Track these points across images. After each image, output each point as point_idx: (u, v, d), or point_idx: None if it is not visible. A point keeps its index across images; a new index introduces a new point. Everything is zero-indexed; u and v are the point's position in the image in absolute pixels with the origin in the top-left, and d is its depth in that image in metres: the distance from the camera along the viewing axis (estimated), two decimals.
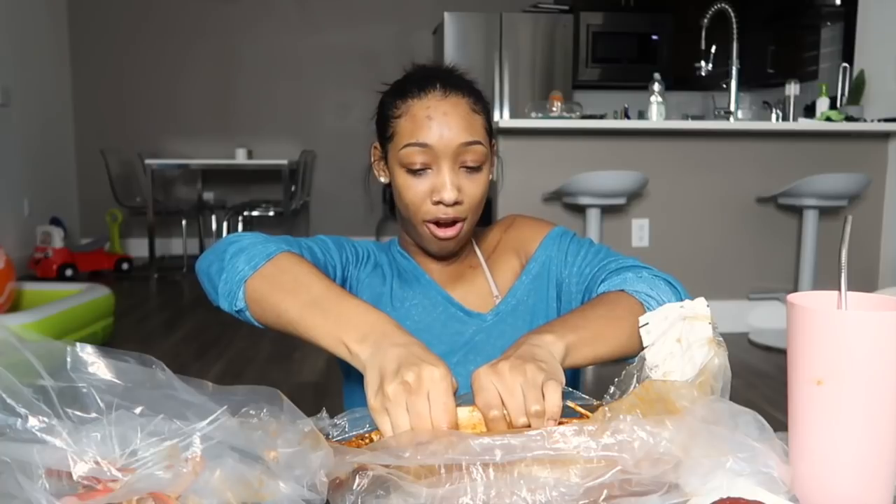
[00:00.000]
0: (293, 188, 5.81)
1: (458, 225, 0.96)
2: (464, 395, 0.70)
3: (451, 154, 0.93)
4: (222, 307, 0.85)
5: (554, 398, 0.65)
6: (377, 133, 1.02)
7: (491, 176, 1.00)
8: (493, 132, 1.02)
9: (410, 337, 0.71)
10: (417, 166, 0.93)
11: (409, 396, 0.64)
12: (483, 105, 0.99)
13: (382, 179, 1.04)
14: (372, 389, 0.66)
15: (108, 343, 3.44)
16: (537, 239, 1.06)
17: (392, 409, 0.64)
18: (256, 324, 0.84)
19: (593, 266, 0.98)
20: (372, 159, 1.05)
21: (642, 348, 0.77)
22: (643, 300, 0.86)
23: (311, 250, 0.97)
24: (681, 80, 5.50)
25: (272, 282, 0.80)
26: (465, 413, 0.66)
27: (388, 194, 1.05)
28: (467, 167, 0.94)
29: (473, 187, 0.95)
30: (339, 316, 0.74)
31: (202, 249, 6.18)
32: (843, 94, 3.98)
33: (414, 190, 0.95)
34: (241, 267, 0.82)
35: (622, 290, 0.88)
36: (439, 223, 0.96)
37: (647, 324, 0.77)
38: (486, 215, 1.04)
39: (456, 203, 0.94)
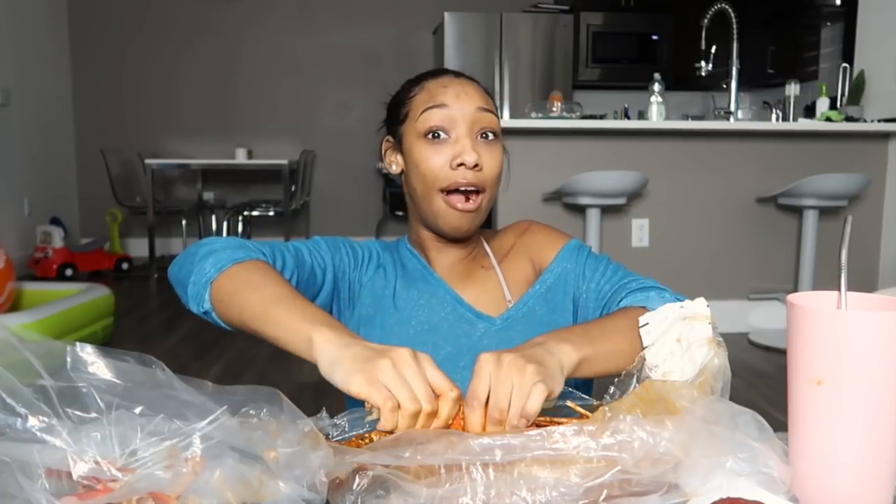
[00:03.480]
0: (293, 188, 5.81)
1: (478, 197, 0.95)
2: None
3: (469, 119, 0.95)
4: (192, 309, 0.85)
5: (534, 401, 0.66)
6: (388, 127, 1.03)
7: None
8: (500, 127, 1.02)
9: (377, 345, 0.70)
10: (436, 129, 0.94)
11: (398, 368, 0.64)
12: (492, 98, 1.01)
13: (394, 168, 1.03)
14: (355, 366, 0.65)
15: (108, 343, 3.44)
16: (554, 249, 1.05)
17: (384, 375, 0.63)
18: (223, 325, 0.83)
19: (613, 283, 0.98)
20: (383, 150, 1.05)
21: (642, 348, 0.77)
22: None
23: (297, 253, 0.95)
24: (681, 80, 5.50)
25: (237, 281, 0.80)
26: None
27: (389, 194, 1.05)
28: (484, 135, 0.96)
29: (491, 157, 0.96)
30: (303, 312, 0.73)
31: None
32: (843, 95, 3.98)
33: (432, 159, 0.94)
34: (208, 269, 0.82)
35: (644, 308, 0.87)
36: (459, 191, 0.94)
37: (647, 324, 0.77)
38: (487, 216, 1.03)
39: (476, 167, 0.93)
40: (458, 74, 0.99)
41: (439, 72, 1.00)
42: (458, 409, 0.65)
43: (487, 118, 0.96)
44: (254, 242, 0.89)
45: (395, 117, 1.01)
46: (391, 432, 0.63)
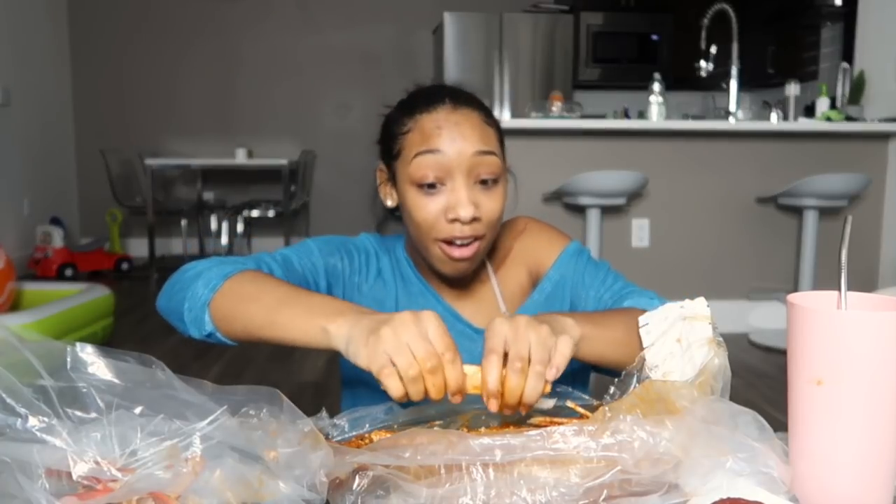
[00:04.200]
0: (293, 188, 5.81)
1: (475, 245, 0.90)
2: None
3: (466, 166, 0.87)
4: (192, 335, 0.83)
5: (563, 349, 0.66)
6: (381, 153, 0.97)
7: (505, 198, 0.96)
8: (505, 150, 0.96)
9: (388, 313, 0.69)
10: (430, 179, 0.87)
11: (408, 330, 0.63)
12: (495, 121, 0.95)
13: (389, 203, 0.97)
14: (360, 343, 0.65)
15: (108, 343, 3.43)
16: (552, 255, 1.02)
17: (391, 345, 0.63)
18: (229, 342, 0.82)
19: (614, 292, 0.97)
20: (378, 182, 0.99)
21: (642, 348, 0.77)
22: None
23: (285, 260, 0.92)
24: (681, 80, 5.49)
25: (234, 296, 0.79)
26: (471, 369, 0.66)
27: None
28: (483, 181, 0.89)
29: (490, 203, 0.90)
30: (309, 306, 0.73)
31: (202, 249, 6.18)
32: (843, 94, 3.98)
33: (426, 209, 0.88)
34: (200, 291, 0.80)
35: (644, 310, 0.86)
36: (454, 242, 0.89)
37: (647, 324, 0.77)
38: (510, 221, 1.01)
39: (473, 220, 0.88)
40: (455, 104, 0.90)
41: (435, 99, 0.91)
42: (460, 371, 0.65)
43: (486, 162, 0.88)
44: (235, 258, 0.87)
45: (388, 149, 0.94)
46: (410, 405, 0.63)
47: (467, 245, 0.90)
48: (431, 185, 0.88)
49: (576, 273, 1.01)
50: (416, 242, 0.94)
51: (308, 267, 0.95)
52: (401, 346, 0.63)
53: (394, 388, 0.63)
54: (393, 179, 0.95)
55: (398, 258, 1.04)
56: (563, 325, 0.73)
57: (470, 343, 0.98)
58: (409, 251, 1.04)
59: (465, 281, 1.02)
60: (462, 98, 0.92)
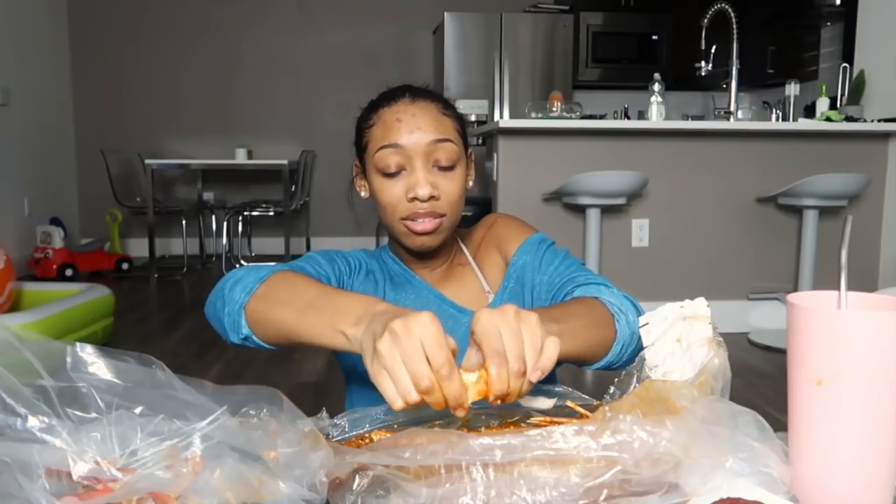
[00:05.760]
0: (293, 188, 5.81)
1: (436, 221, 0.98)
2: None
3: (423, 152, 0.96)
4: (233, 340, 0.86)
5: (550, 352, 0.65)
6: (355, 149, 1.05)
7: (469, 182, 1.03)
8: (466, 139, 1.04)
9: (400, 307, 0.70)
10: (392, 168, 0.96)
11: (400, 345, 0.62)
12: (454, 111, 1.02)
13: (363, 194, 1.06)
14: (368, 357, 0.65)
15: (108, 343, 3.44)
16: (516, 242, 1.09)
17: (388, 364, 0.62)
18: (265, 346, 0.85)
19: (563, 276, 1.01)
20: (353, 175, 1.08)
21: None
22: (615, 312, 0.86)
23: (303, 271, 0.98)
24: (681, 80, 5.50)
25: (267, 300, 0.82)
26: (472, 377, 0.64)
27: None
28: (441, 166, 0.97)
29: (449, 185, 0.98)
30: (333, 310, 0.75)
31: (202, 249, 6.18)
32: (843, 94, 3.98)
33: (390, 192, 0.98)
34: (237, 296, 0.84)
35: (596, 298, 0.89)
36: (416, 219, 0.97)
37: (647, 324, 0.77)
38: (483, 217, 1.05)
39: (432, 198, 0.96)
40: (414, 97, 0.99)
41: (397, 94, 1.00)
42: (457, 386, 0.63)
43: (443, 149, 0.97)
44: (269, 265, 0.92)
45: (358, 143, 1.04)
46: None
47: (428, 222, 0.98)
48: (394, 173, 0.97)
49: (534, 259, 1.06)
50: (386, 225, 1.03)
51: (323, 274, 1.01)
52: (397, 366, 0.62)
53: (389, 392, 0.63)
54: (364, 171, 1.04)
55: (384, 260, 1.12)
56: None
57: (454, 322, 1.04)
58: (392, 249, 1.12)
59: (446, 265, 1.09)
60: (421, 92, 1.01)
